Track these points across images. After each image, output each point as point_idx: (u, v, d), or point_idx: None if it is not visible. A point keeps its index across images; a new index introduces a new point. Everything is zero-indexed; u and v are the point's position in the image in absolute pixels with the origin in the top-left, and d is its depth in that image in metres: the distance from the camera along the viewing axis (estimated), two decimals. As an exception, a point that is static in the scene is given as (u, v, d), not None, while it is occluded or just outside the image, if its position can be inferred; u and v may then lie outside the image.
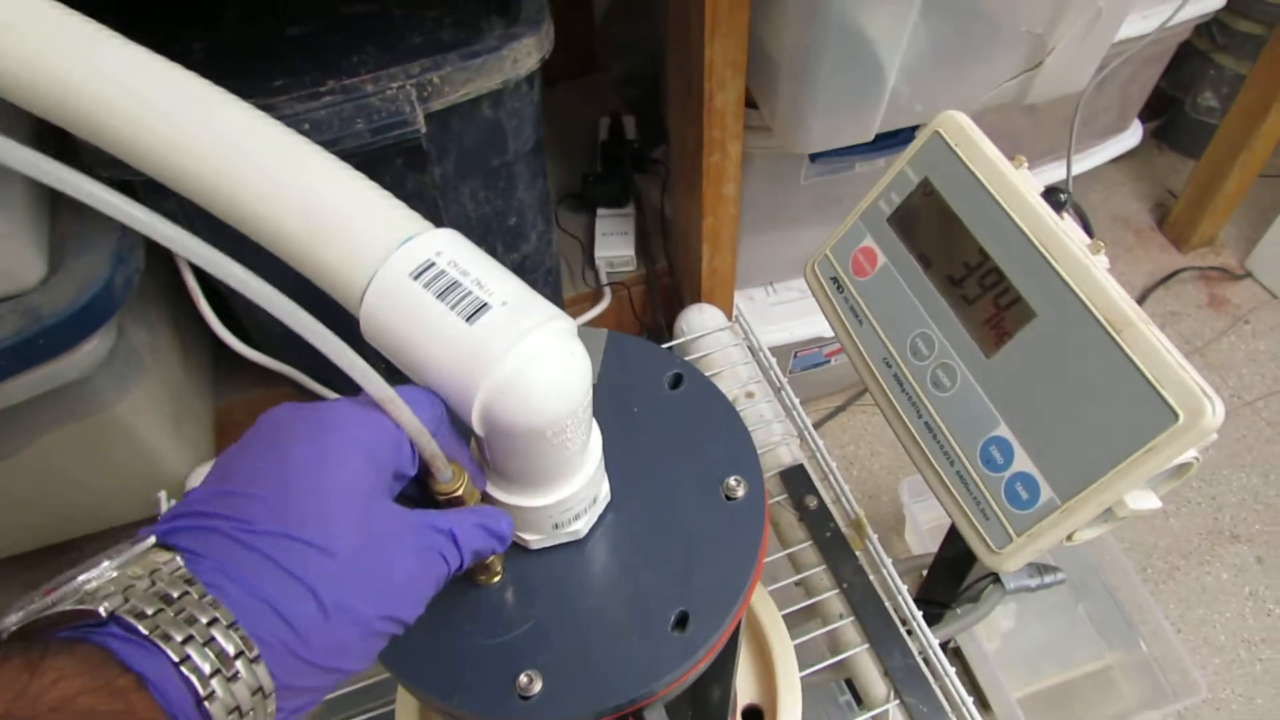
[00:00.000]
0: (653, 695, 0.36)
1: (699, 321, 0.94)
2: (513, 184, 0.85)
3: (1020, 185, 0.46)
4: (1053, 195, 0.49)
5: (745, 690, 0.66)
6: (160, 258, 0.88)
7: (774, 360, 0.88)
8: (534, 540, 0.38)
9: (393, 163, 0.78)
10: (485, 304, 0.30)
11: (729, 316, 0.96)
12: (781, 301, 1.17)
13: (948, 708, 0.70)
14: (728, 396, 0.43)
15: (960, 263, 0.48)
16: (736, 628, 0.42)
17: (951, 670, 0.71)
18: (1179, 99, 1.75)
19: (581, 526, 0.38)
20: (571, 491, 0.36)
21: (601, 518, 0.39)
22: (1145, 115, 1.49)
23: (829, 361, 1.26)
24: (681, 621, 0.37)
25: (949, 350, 0.48)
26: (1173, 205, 1.71)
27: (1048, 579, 0.94)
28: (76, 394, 0.79)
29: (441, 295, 0.30)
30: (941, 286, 0.49)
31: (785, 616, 0.68)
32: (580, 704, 0.35)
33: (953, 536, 0.77)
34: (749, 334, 0.91)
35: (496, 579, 0.38)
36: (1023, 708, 0.98)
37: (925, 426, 0.50)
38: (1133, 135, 1.45)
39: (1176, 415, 0.40)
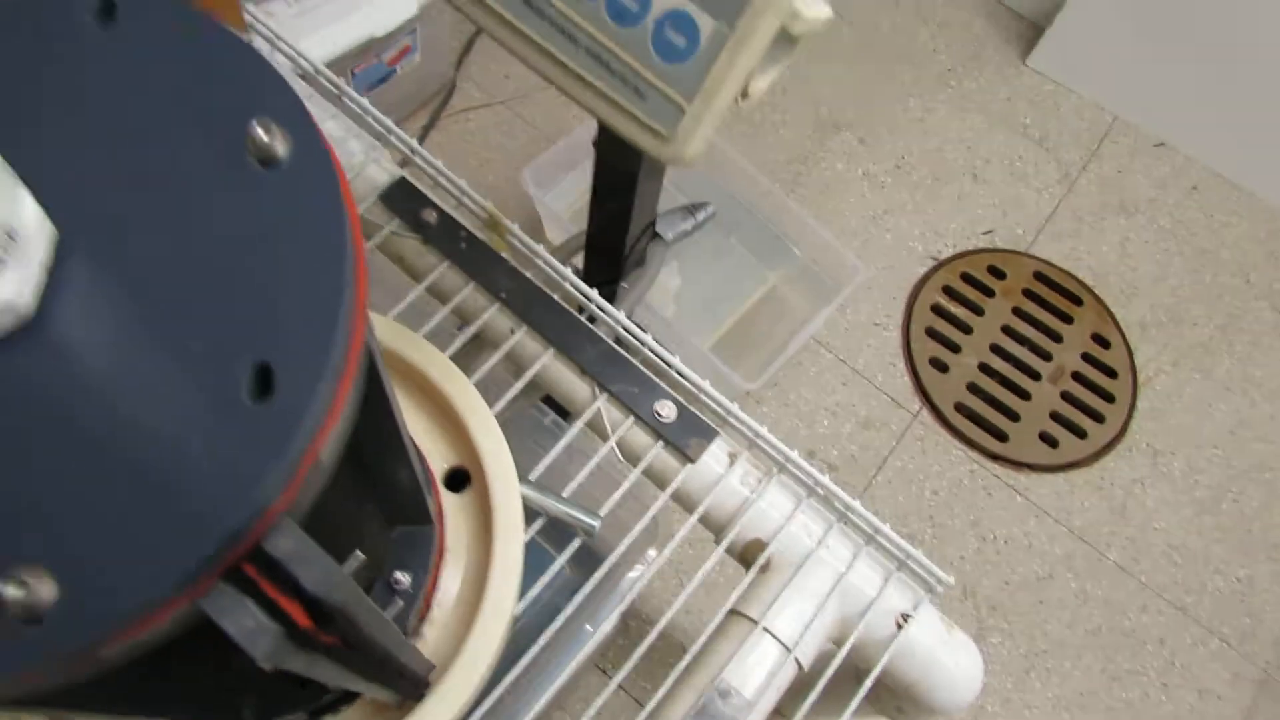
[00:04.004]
0: (266, 514, 0.21)
1: (205, 51, 0.71)
2: None
3: None
4: None
5: (438, 456, 0.54)
6: None
7: (332, 74, 0.68)
8: (-80, 353, 0.19)
9: None
10: None
11: (242, 29, 0.73)
12: (309, 9, 0.93)
13: (658, 379, 0.62)
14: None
15: None
16: (370, 361, 0.27)
17: (648, 336, 0.62)
18: None
19: (12, 294, 0.20)
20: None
21: (58, 271, 0.21)
22: None
23: (395, 71, 1.06)
24: (263, 381, 0.21)
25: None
26: None
27: (700, 216, 0.89)
28: None
29: None
30: None
31: (451, 358, 0.54)
32: (142, 584, 0.19)
33: (599, 195, 0.67)
34: (275, 42, 0.70)
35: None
36: (716, 357, 0.96)
37: (526, 6, 0.35)
38: None
39: None
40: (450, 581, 0.52)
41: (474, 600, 0.50)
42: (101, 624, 0.19)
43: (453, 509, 0.53)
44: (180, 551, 0.20)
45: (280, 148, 0.23)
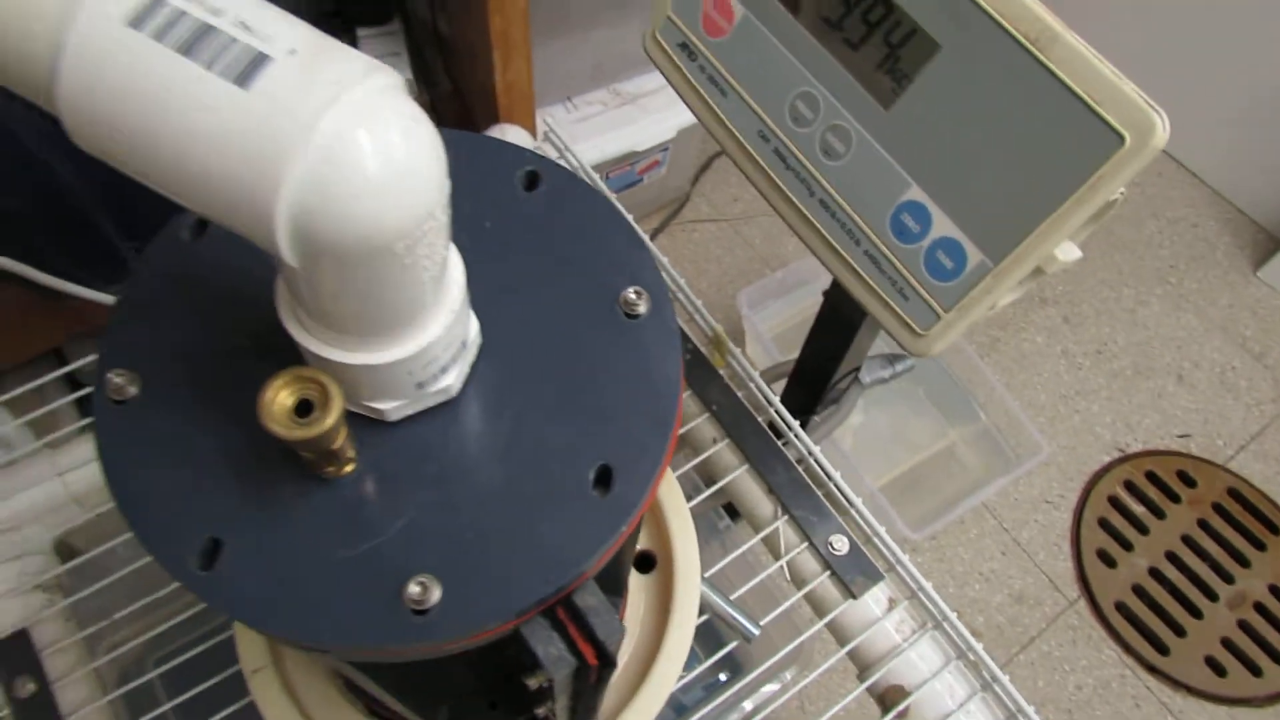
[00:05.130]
0: (583, 575, 0.28)
1: (505, 146, 0.83)
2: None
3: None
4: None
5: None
6: None
7: (596, 176, 0.78)
8: (391, 408, 0.28)
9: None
10: (263, 55, 0.19)
11: (534, 136, 0.85)
12: (585, 117, 1.06)
13: (836, 514, 0.67)
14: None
15: None
16: (660, 472, 0.34)
17: (836, 474, 0.67)
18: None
19: (452, 381, 0.28)
20: (436, 334, 0.26)
21: (474, 367, 0.30)
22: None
23: (642, 180, 1.17)
24: (604, 478, 0.28)
25: (838, 109, 0.41)
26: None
27: (899, 367, 0.93)
28: None
29: (188, 48, 0.19)
30: (818, 32, 0.41)
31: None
32: (495, 605, 0.27)
33: (817, 337, 0.73)
34: (564, 151, 0.81)
35: (350, 468, 0.28)
36: (883, 495, 0.99)
37: (820, 204, 0.42)
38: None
39: (1122, 137, 0.34)
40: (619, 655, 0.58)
41: (636, 678, 0.56)
42: (463, 626, 0.26)
43: (634, 587, 0.60)
44: (526, 588, 0.27)
45: (643, 307, 0.30)
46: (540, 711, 0.43)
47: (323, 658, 0.32)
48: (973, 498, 0.99)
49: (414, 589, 0.26)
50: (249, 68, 0.19)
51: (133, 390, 0.29)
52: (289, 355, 0.27)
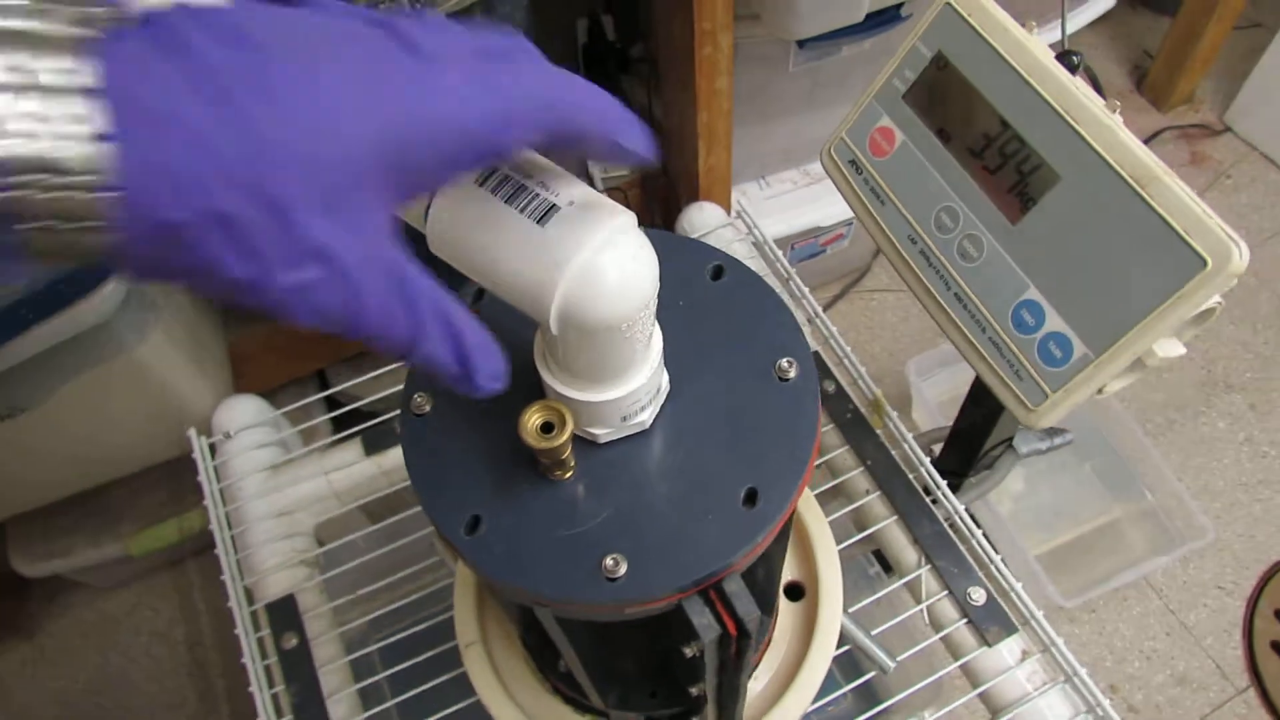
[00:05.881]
0: (730, 568, 0.38)
1: (700, 220, 0.95)
2: (506, 94, 0.84)
3: (1037, 51, 0.47)
4: (1065, 59, 0.49)
5: (786, 568, 0.69)
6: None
7: (780, 252, 0.89)
8: (602, 434, 0.39)
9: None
10: (555, 205, 0.31)
11: (729, 213, 0.96)
12: (775, 194, 1.17)
13: (977, 568, 0.73)
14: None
15: (980, 134, 0.49)
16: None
17: (979, 531, 0.74)
18: (1153, -46, 1.73)
19: (647, 417, 0.39)
20: (639, 384, 0.37)
21: (662, 408, 0.41)
22: (1121, -26, 1.47)
23: (825, 251, 1.27)
24: (751, 498, 0.38)
25: (974, 221, 0.50)
26: (1150, 66, 1.70)
27: (1057, 440, 0.98)
28: (96, 339, 0.80)
29: (511, 199, 0.31)
30: (963, 159, 0.50)
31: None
32: (665, 580, 0.37)
33: (969, 407, 0.80)
34: (752, 228, 0.92)
35: (569, 474, 0.39)
36: (1039, 564, 1.03)
37: (955, 297, 0.51)
38: (1111, -5, 1.43)
39: (1205, 261, 0.41)
40: (764, 670, 0.66)
41: (776, 692, 0.64)
42: (642, 593, 0.37)
43: (784, 611, 0.68)
44: (689, 571, 0.37)
45: (793, 373, 0.41)
46: (693, 691, 0.52)
47: (539, 615, 0.44)
48: (1130, 572, 1.01)
49: (609, 562, 0.37)
50: (546, 213, 0.31)
51: (427, 408, 0.41)
52: (536, 389, 0.39)
